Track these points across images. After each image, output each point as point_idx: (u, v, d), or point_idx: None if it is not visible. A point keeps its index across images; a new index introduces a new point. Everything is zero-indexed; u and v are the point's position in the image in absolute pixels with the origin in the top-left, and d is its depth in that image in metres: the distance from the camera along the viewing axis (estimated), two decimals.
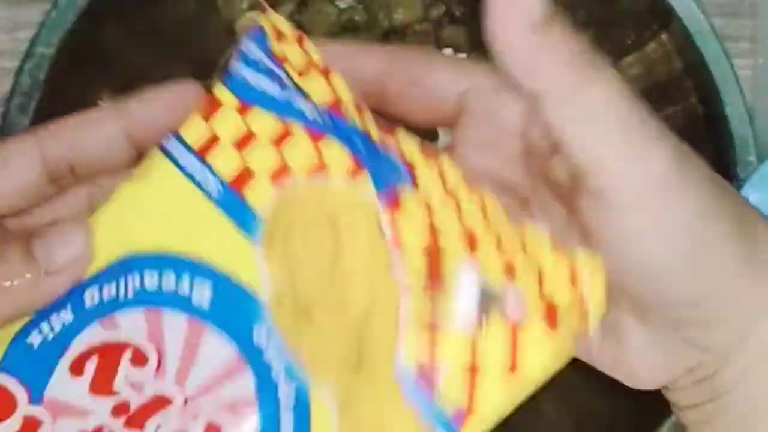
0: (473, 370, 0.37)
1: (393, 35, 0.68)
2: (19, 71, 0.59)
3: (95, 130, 0.40)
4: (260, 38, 0.40)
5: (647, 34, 0.61)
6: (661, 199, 0.38)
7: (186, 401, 0.39)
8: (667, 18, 0.58)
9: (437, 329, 0.37)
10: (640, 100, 0.39)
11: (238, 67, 0.40)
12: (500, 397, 0.37)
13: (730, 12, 0.64)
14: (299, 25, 0.65)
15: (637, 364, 0.41)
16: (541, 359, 0.37)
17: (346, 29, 0.69)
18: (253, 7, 0.67)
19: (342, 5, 0.69)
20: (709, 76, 0.57)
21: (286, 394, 0.38)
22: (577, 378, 0.43)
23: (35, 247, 0.39)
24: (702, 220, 0.39)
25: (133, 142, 0.41)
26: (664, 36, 0.60)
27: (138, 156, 0.41)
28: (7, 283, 0.39)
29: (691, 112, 0.59)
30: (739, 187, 0.57)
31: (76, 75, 0.60)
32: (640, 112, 0.38)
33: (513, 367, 0.37)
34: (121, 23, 0.62)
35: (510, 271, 0.38)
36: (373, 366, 0.38)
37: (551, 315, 0.38)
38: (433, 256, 0.38)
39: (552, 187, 0.41)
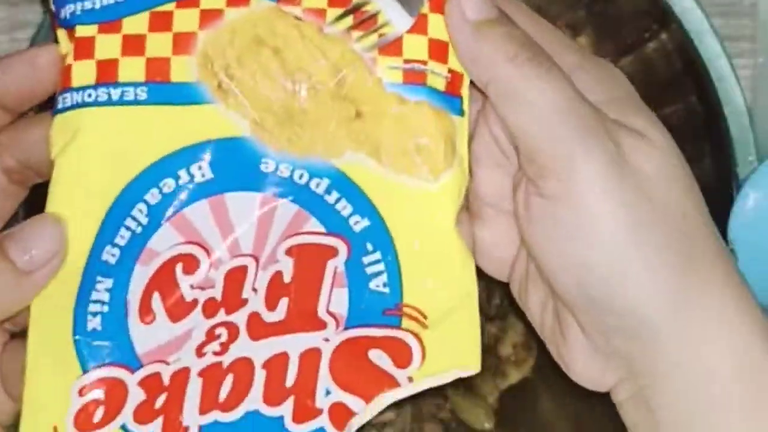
0: (437, 46, 0.41)
1: None
2: None
3: None
4: None
5: (647, 33, 0.61)
6: (591, 200, 0.39)
7: (257, 258, 0.40)
8: (666, 18, 0.58)
9: (390, 41, 0.41)
10: (585, 102, 0.39)
11: (68, 8, 0.41)
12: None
13: (729, 12, 0.64)
14: None
15: (576, 366, 0.41)
16: None
17: None
18: None
19: None
20: (708, 76, 0.57)
21: (323, 188, 0.41)
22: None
23: (9, 249, 0.39)
24: (634, 228, 0.39)
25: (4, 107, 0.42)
26: (663, 36, 0.60)
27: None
28: None
29: (691, 112, 0.59)
30: (738, 187, 0.57)
31: None
32: (582, 112, 0.39)
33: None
34: None
35: None
36: (368, 106, 0.41)
37: None
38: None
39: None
